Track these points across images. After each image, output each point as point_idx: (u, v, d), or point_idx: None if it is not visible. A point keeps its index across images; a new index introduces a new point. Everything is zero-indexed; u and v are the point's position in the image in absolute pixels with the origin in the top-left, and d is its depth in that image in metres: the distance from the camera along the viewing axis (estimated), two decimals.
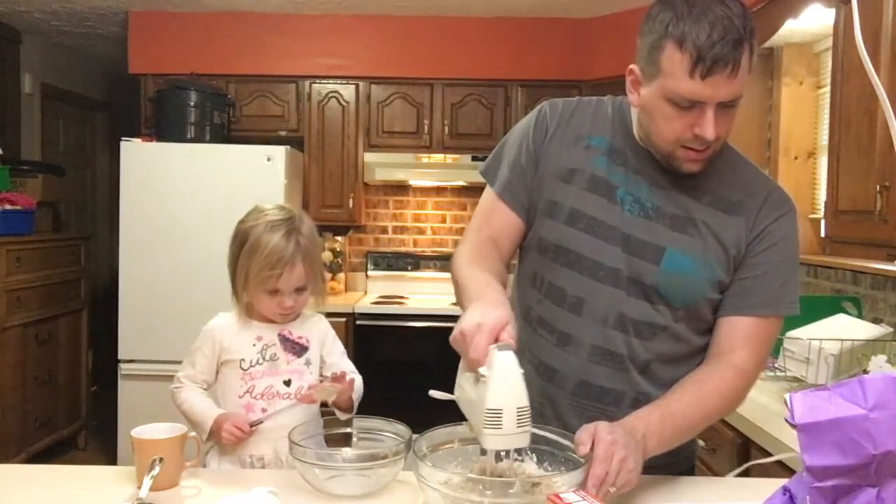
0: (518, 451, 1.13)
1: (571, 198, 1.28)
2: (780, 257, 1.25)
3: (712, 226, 1.25)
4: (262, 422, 1.47)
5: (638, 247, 1.25)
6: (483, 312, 1.05)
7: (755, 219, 1.25)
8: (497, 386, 0.98)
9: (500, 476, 1.09)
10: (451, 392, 1.12)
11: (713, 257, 1.24)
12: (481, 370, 1.00)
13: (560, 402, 1.29)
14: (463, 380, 1.08)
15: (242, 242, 1.51)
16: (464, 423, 1.18)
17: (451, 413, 1.21)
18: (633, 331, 1.26)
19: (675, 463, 1.33)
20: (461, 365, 1.10)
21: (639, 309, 1.25)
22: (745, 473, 1.44)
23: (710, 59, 1.07)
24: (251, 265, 1.48)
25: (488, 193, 1.37)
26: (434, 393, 1.12)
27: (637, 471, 1.07)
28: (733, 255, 1.25)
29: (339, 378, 1.49)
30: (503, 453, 1.10)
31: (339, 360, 1.61)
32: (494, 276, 1.23)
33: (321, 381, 1.52)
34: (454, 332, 1.06)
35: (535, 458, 1.17)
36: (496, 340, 1.01)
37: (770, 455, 1.75)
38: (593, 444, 1.06)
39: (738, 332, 1.25)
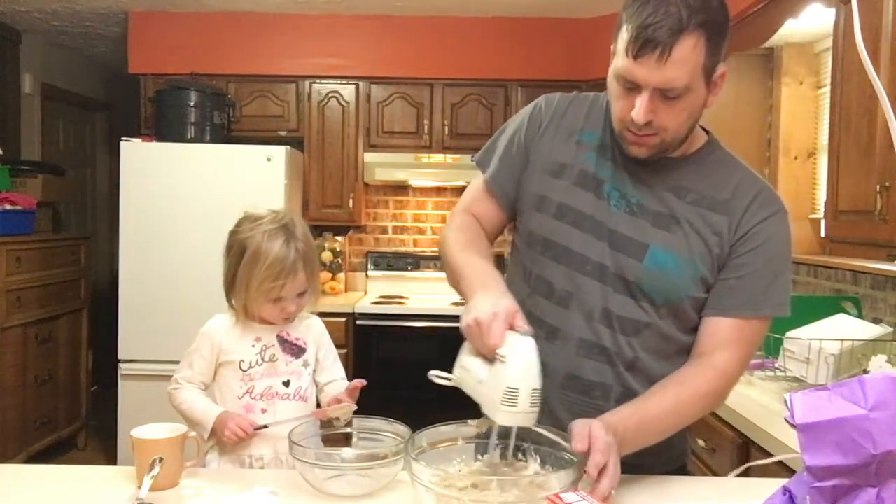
0: (523, 451, 1.16)
1: (560, 192, 1.29)
2: (766, 258, 1.24)
3: (696, 224, 1.24)
4: (266, 427, 1.47)
5: (622, 243, 1.25)
6: (495, 302, 1.10)
7: (741, 219, 1.24)
8: (518, 367, 1.05)
9: (501, 475, 1.09)
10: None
11: (698, 255, 1.24)
12: (500, 352, 1.06)
13: (549, 397, 1.28)
14: (468, 363, 1.11)
15: (240, 253, 1.50)
16: (469, 421, 1.19)
17: (451, 412, 1.21)
18: (619, 327, 1.26)
19: (667, 461, 1.34)
20: (465, 349, 1.14)
21: (623, 305, 1.25)
22: (745, 474, 1.44)
23: (641, 39, 1.10)
24: (252, 276, 1.48)
25: (479, 179, 1.42)
26: (434, 375, 1.14)
27: (618, 475, 1.09)
28: (717, 253, 1.24)
29: (352, 391, 1.50)
30: (500, 447, 1.14)
31: (332, 366, 1.62)
32: (492, 262, 1.27)
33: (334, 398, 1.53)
34: (467, 321, 1.10)
35: (538, 459, 1.17)
36: (510, 327, 1.07)
37: (770, 455, 1.75)
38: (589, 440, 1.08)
39: (720, 333, 1.24)
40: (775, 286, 1.24)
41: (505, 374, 1.04)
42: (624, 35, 1.14)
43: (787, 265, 1.27)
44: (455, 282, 1.28)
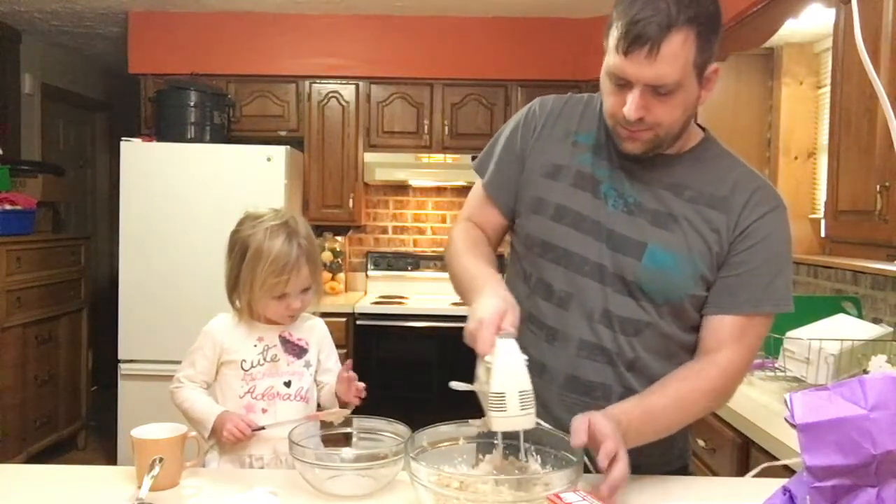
0: (524, 451, 1.15)
1: (558, 194, 1.29)
2: (766, 255, 1.23)
3: (694, 222, 1.24)
4: (264, 428, 1.47)
5: (620, 242, 1.25)
6: (483, 308, 1.10)
7: (739, 216, 1.24)
8: (500, 371, 1.05)
9: (501, 475, 1.09)
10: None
11: (697, 253, 1.23)
12: (487, 359, 1.06)
13: (549, 398, 1.29)
14: (477, 370, 1.12)
15: (243, 252, 1.50)
16: (470, 420, 1.19)
17: (451, 412, 1.22)
18: (619, 327, 1.25)
19: (668, 462, 1.34)
20: (478, 357, 1.14)
21: (623, 305, 1.25)
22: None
23: (631, 35, 1.11)
24: (256, 274, 1.48)
25: (478, 184, 1.42)
26: (455, 384, 1.15)
27: (627, 463, 1.08)
28: (716, 251, 1.24)
29: (348, 386, 1.51)
30: (506, 448, 1.14)
31: (333, 367, 1.63)
32: (488, 262, 1.28)
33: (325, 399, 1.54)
34: (465, 331, 1.10)
35: (538, 459, 1.17)
36: (500, 330, 1.07)
37: (770, 455, 1.75)
38: (589, 435, 1.07)
39: (723, 331, 1.24)
40: (776, 282, 1.24)
41: (491, 380, 1.05)
42: (614, 32, 1.14)
43: (787, 261, 1.26)
44: (456, 288, 1.30)
